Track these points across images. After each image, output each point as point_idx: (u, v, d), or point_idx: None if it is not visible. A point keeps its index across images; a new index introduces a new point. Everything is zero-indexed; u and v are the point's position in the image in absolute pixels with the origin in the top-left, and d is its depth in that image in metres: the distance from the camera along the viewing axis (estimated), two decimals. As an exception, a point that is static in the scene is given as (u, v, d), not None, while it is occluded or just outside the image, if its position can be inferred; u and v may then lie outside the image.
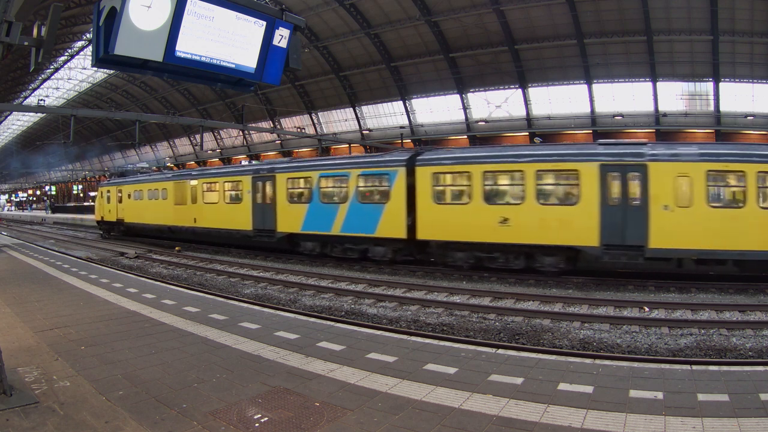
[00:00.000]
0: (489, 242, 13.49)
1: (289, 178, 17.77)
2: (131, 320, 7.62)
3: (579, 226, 12.31)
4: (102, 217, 31.13)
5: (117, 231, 29.89)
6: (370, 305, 11.28)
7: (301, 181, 17.55)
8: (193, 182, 22.43)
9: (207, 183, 21.78)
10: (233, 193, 20.13)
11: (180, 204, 22.98)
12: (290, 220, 17.38)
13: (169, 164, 62.38)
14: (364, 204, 15.57)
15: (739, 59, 28.82)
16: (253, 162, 20.97)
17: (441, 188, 14.44)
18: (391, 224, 14.84)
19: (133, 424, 4.06)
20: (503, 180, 13.67)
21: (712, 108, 30.71)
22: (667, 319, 9.40)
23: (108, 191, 30.55)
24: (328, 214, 16.29)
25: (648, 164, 11.80)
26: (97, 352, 5.95)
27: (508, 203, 13.25)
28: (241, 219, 19.21)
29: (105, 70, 44.51)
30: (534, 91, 35.65)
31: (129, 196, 27.77)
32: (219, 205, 20.67)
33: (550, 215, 12.73)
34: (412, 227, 14.63)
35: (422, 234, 14.43)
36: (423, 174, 14.38)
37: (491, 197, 13.55)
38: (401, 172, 14.74)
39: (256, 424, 4.11)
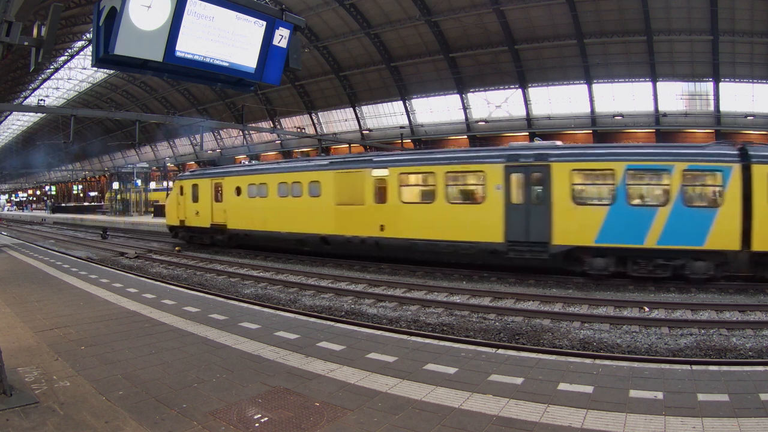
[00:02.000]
0: None
1: (575, 170, 12.96)
2: (131, 320, 7.62)
3: None
4: (182, 221, 23.17)
5: (210, 240, 22.10)
6: (370, 305, 11.28)
7: (597, 175, 13.07)
8: (381, 172, 15.74)
9: (409, 173, 15.47)
10: (467, 188, 14.55)
11: (349, 204, 16.42)
12: (576, 228, 12.82)
13: (169, 164, 62.47)
14: (691, 208, 12.14)
15: (739, 59, 28.84)
16: (511, 145, 15.41)
17: None
18: (722, 233, 12.00)
19: (133, 424, 4.06)
20: None
21: (712, 108, 30.74)
22: (667, 319, 9.40)
23: (195, 185, 22.53)
24: (639, 220, 12.37)
25: None
26: (97, 352, 5.95)
27: None
28: (482, 227, 13.77)
29: (105, 70, 44.55)
30: (534, 91, 35.69)
31: (238, 191, 20.30)
32: (435, 205, 14.61)
33: None
34: (744, 236, 12.12)
35: (759, 244, 11.88)
36: (762, 173, 11.90)
37: None
38: (736, 168, 12.03)
39: (256, 424, 4.11)
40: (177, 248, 22.22)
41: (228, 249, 20.83)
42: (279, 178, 18.97)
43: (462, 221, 14.16)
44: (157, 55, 4.89)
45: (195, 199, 22.36)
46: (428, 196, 14.90)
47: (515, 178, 13.55)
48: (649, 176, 12.70)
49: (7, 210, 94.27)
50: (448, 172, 14.53)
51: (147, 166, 56.36)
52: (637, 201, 12.57)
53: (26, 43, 4.74)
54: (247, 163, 25.07)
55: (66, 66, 51.71)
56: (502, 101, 36.73)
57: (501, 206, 13.58)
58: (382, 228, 15.53)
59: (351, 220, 16.30)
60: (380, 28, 36.19)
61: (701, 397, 4.53)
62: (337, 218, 16.70)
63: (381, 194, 15.72)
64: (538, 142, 17.09)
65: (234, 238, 20.81)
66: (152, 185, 58.96)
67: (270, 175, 19.51)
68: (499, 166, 13.73)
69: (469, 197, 14.41)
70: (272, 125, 47.56)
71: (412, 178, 15.53)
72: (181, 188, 23.45)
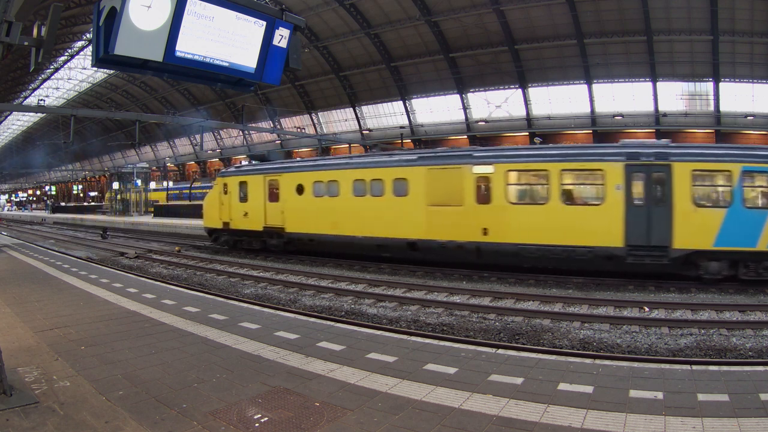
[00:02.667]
0: None
1: (695, 171, 12.31)
2: (131, 320, 7.62)
3: None
4: (225, 224, 20.45)
5: (261, 245, 19.61)
6: (370, 305, 11.28)
7: (716, 176, 12.58)
8: (484, 169, 14.14)
9: (518, 171, 14.00)
10: (585, 188, 13.54)
11: (444, 205, 14.66)
12: (696, 231, 12.25)
13: (167, 164, 62.43)
14: None
15: (739, 59, 28.88)
16: (625, 142, 14.35)
17: None
18: None
19: (133, 424, 4.06)
20: None
21: (712, 108, 30.77)
22: (667, 319, 9.40)
23: (243, 183, 19.90)
24: (753, 223, 12.05)
25: None
26: (97, 352, 5.95)
27: None
28: (601, 230, 12.77)
29: (105, 70, 44.59)
30: (534, 91, 35.72)
31: (300, 189, 17.98)
32: (549, 207, 13.34)
33: None
34: None
35: None
36: None
37: None
38: None
39: (256, 424, 4.11)
40: (177, 248, 22.22)
41: (287, 255, 18.69)
42: (354, 174, 16.67)
43: (578, 224, 13.03)
44: (157, 55, 4.89)
45: (243, 198, 19.77)
46: (541, 196, 13.59)
47: (636, 177, 12.66)
48: (761, 178, 12.34)
49: (7, 210, 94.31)
50: (563, 170, 13.28)
51: (147, 166, 56.35)
52: (750, 204, 12.16)
53: (26, 43, 4.74)
54: (315, 160, 21.12)
55: (66, 66, 51.77)
56: (502, 101, 36.76)
57: (621, 208, 12.61)
58: (485, 232, 13.94)
59: (446, 223, 14.55)
60: (380, 28, 36.21)
61: (701, 397, 4.53)
62: (428, 221, 14.85)
63: (484, 194, 14.15)
64: (650, 141, 16.20)
65: (293, 242, 18.50)
66: (152, 185, 58.96)
67: (342, 171, 17.08)
68: (620, 164, 12.76)
69: (586, 197, 13.38)
70: (272, 125, 47.57)
71: (522, 176, 14.03)
72: (225, 186, 20.45)
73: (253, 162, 24.87)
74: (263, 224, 18.97)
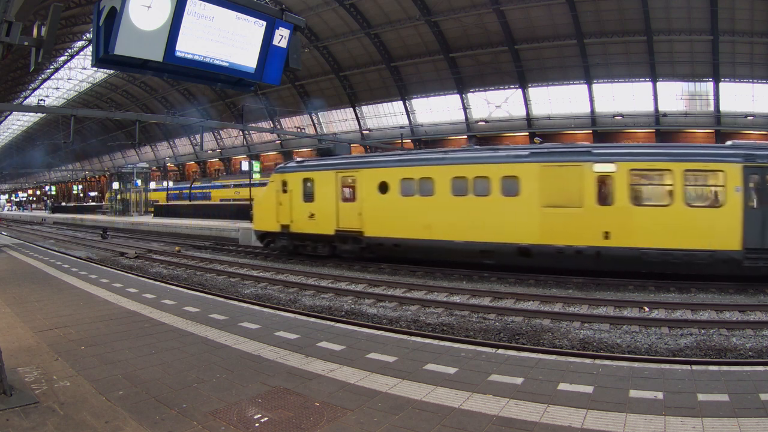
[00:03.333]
0: None
1: None
2: (131, 320, 7.62)
3: None
4: (284, 227, 18.26)
5: (329, 250, 17.48)
6: (370, 305, 11.28)
7: None
8: (605, 167, 13.21)
9: (642, 170, 13.13)
10: (707, 189, 12.93)
11: (560, 206, 13.44)
12: None
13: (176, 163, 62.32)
14: None
15: (739, 59, 28.90)
16: (735, 143, 13.88)
17: None
18: None
19: (133, 424, 4.06)
20: None
21: (712, 108, 30.79)
22: (667, 319, 9.40)
23: (308, 180, 17.83)
24: None
25: None
26: (97, 352, 5.95)
27: None
28: (720, 233, 12.23)
29: (105, 70, 44.59)
30: (534, 91, 35.74)
31: (383, 188, 16.07)
32: (672, 209, 12.61)
33: None
34: None
35: None
36: None
37: None
38: None
39: (256, 424, 4.11)
40: (177, 248, 22.22)
41: (365, 263, 16.59)
42: (453, 171, 14.96)
43: (699, 227, 12.39)
44: (157, 55, 4.88)
45: (308, 197, 17.64)
46: (664, 198, 12.85)
47: (752, 179, 12.32)
48: None
49: (7, 210, 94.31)
50: (687, 170, 12.61)
51: (147, 166, 56.35)
52: None
53: (26, 43, 4.74)
54: (407, 154, 18.21)
55: (66, 66, 51.78)
56: (502, 101, 36.78)
57: (740, 210, 12.15)
58: (606, 236, 12.94)
59: (563, 226, 13.37)
60: (380, 28, 36.23)
61: (701, 397, 4.53)
62: (543, 224, 13.57)
63: (605, 194, 13.21)
64: (755, 142, 16.25)
65: (373, 248, 16.40)
66: (152, 185, 58.99)
67: (438, 167, 15.30)
68: (738, 165, 12.27)
69: (708, 199, 12.77)
70: (272, 125, 47.58)
71: (646, 176, 13.23)
72: (284, 184, 18.26)
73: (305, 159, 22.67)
74: (335, 227, 16.97)
